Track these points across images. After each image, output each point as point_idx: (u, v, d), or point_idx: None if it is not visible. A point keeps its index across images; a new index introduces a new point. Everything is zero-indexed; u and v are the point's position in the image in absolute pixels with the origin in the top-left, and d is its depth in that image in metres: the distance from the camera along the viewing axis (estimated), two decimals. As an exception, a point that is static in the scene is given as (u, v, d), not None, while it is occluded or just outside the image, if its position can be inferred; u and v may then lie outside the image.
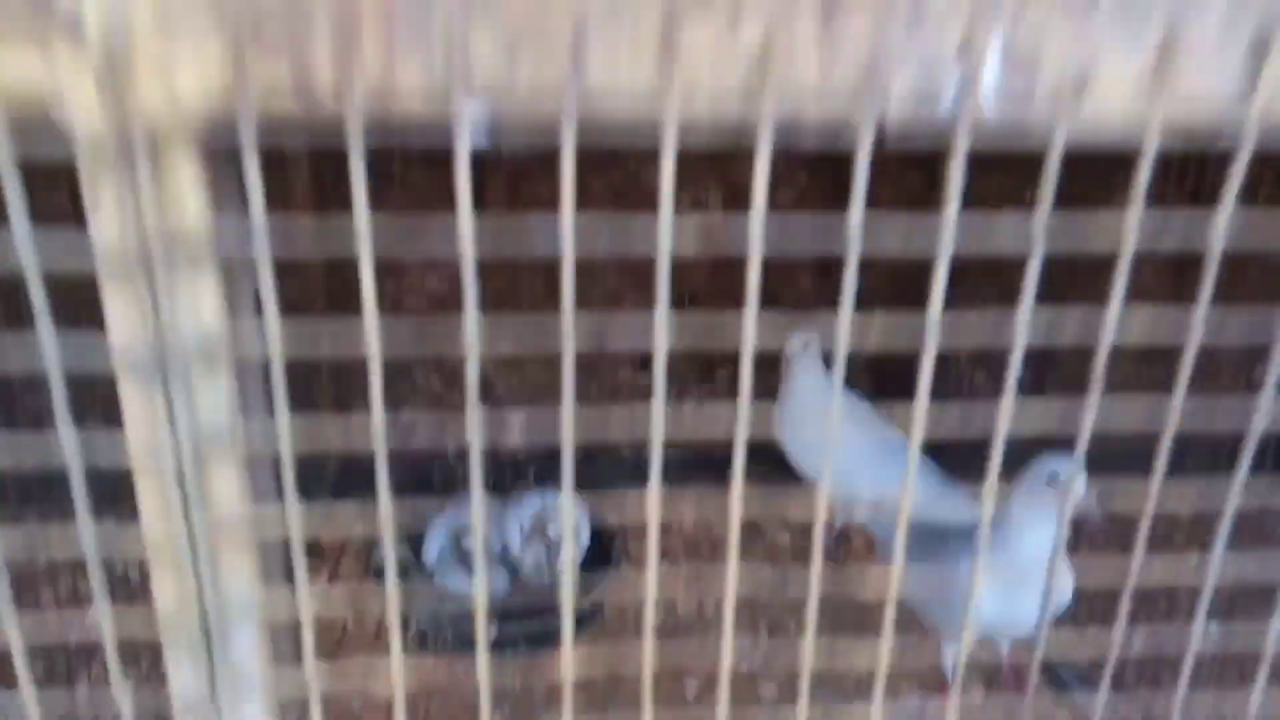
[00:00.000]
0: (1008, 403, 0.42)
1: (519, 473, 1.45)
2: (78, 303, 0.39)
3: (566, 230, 0.37)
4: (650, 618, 0.45)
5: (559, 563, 1.36)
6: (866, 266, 0.39)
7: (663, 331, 0.40)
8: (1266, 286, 0.89)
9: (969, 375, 1.55)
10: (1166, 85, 0.37)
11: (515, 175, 1.62)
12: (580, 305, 0.39)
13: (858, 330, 0.41)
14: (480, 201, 0.38)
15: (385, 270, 0.38)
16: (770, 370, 1.36)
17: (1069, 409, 0.43)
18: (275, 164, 0.39)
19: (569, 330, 0.39)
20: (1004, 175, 0.80)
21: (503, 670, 1.22)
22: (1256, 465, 0.46)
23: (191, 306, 0.38)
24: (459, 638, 1.30)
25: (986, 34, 0.36)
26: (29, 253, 0.36)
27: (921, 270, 0.40)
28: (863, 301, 0.40)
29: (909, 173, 1.20)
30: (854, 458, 1.24)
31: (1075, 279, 0.49)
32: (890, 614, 0.46)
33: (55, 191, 0.40)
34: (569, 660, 0.46)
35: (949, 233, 0.39)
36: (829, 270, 0.47)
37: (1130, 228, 0.39)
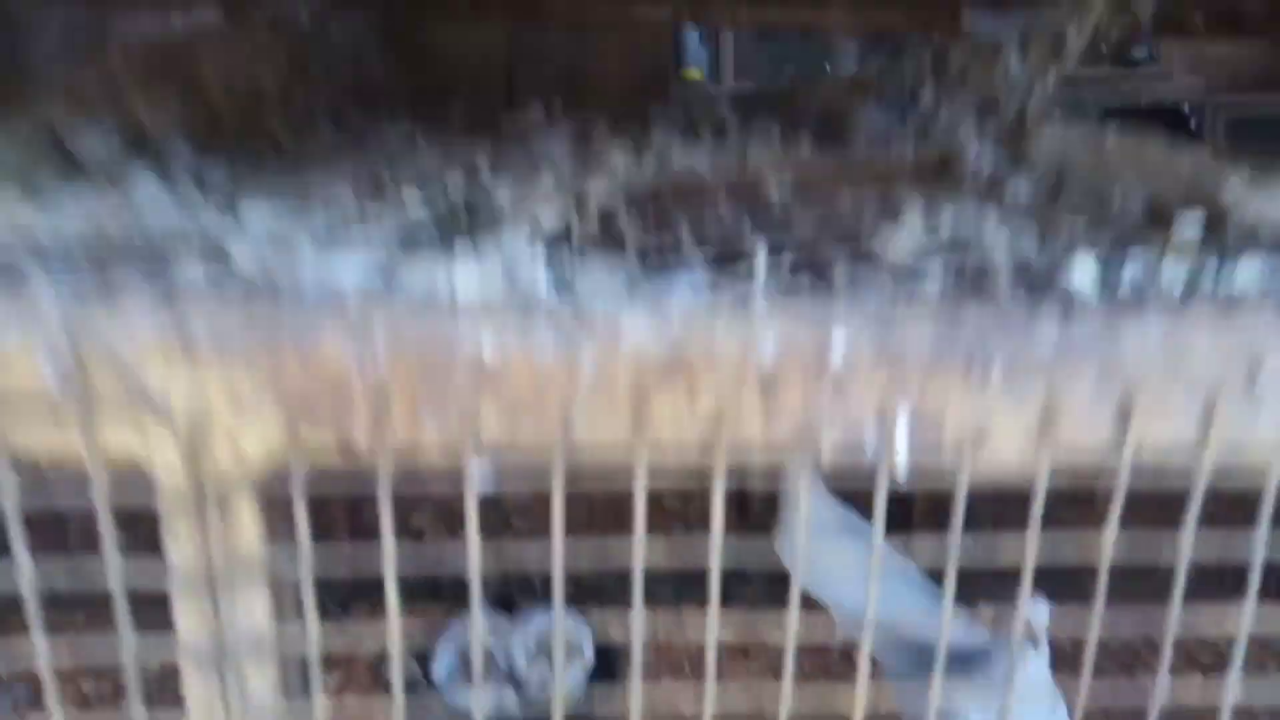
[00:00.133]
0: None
1: (527, 590, 1.52)
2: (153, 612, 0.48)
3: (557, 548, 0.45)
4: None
5: (563, 680, 1.42)
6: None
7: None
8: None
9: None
10: (1049, 438, 0.45)
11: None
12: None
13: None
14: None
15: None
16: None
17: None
18: (319, 505, 0.47)
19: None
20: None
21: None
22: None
23: (247, 611, 0.46)
24: (467, 762, 1.36)
25: (898, 400, 0.45)
26: (117, 577, 0.44)
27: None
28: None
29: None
30: (855, 578, 1.30)
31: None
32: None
33: (141, 527, 0.48)
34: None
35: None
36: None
37: (1032, 547, 0.47)
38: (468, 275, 0.53)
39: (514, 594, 1.50)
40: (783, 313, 0.47)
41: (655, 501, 0.45)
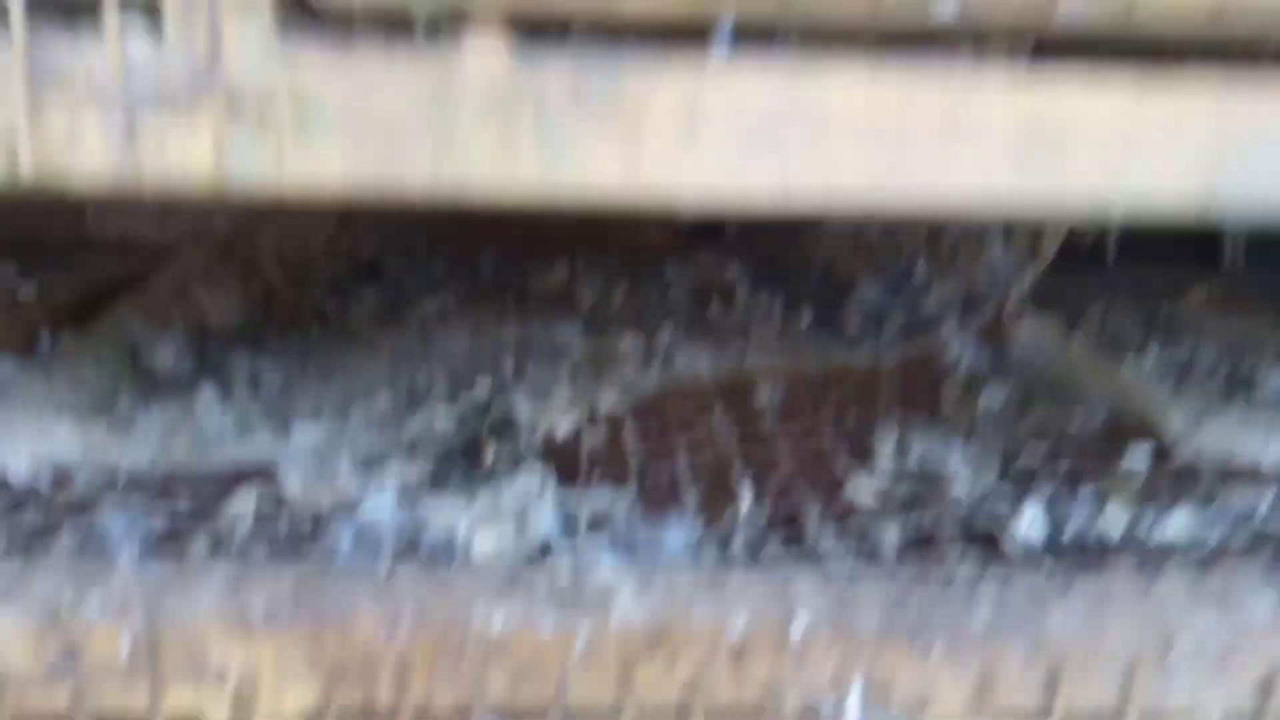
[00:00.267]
0: None
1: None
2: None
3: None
4: None
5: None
6: None
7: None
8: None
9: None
10: (985, 705, 0.52)
11: None
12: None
13: None
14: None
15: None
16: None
17: None
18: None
19: None
20: None
21: None
22: None
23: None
24: None
25: (851, 670, 0.51)
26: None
27: None
28: None
29: None
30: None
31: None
32: None
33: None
34: None
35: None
36: None
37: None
38: (484, 533, 0.62)
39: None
40: (752, 587, 0.54)
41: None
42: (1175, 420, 0.81)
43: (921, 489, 0.69)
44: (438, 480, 0.72)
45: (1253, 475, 0.74)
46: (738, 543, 0.63)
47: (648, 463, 0.76)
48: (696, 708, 0.52)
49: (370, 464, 0.76)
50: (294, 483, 0.72)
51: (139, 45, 0.43)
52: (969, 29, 0.45)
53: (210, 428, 0.80)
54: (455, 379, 0.96)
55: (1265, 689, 0.52)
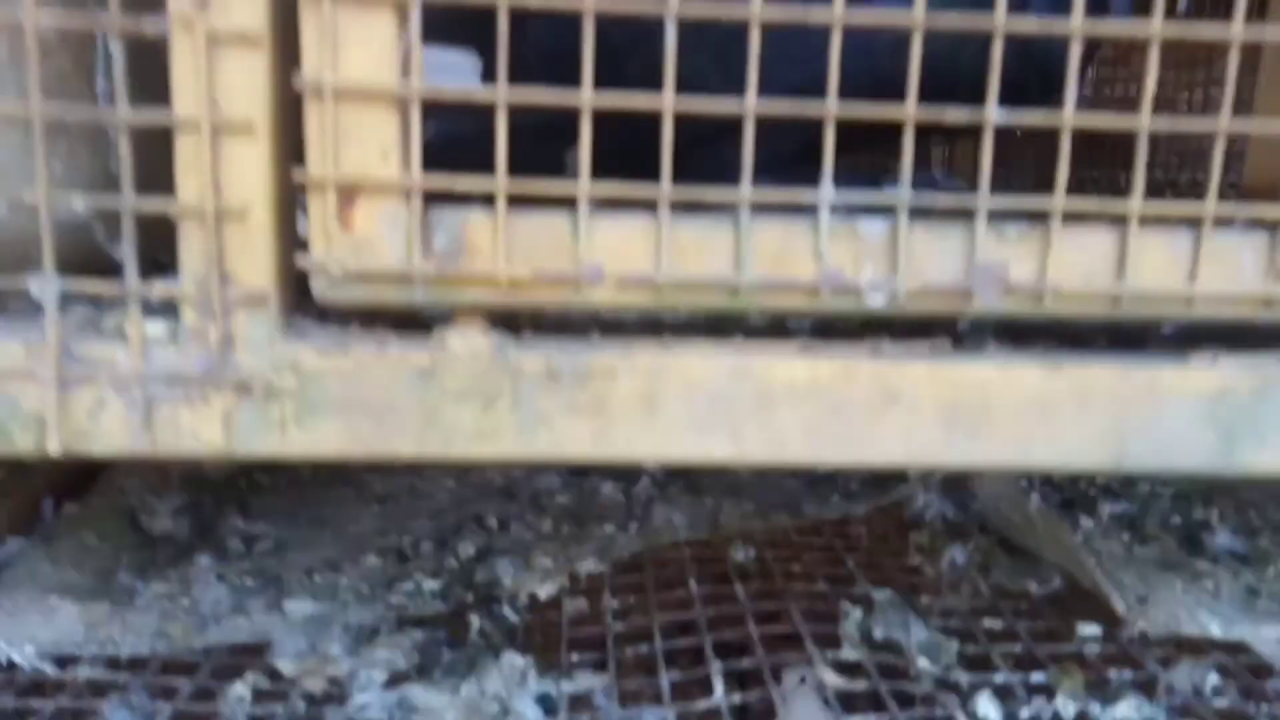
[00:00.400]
0: None
1: None
2: None
3: None
4: None
5: None
6: None
7: None
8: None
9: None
10: None
11: None
12: None
13: None
14: None
15: None
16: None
17: None
18: None
19: None
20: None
21: None
22: None
23: None
24: None
25: None
26: None
27: None
28: None
29: None
30: None
31: None
32: None
33: None
34: None
35: None
36: None
37: None
38: (464, 731, 0.65)
39: None
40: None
41: None
42: (1126, 592, 0.85)
43: (881, 675, 0.73)
44: (425, 660, 0.76)
45: (1201, 649, 0.79)
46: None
47: (625, 638, 0.80)
48: None
49: (360, 640, 0.80)
50: (288, 663, 0.76)
51: (158, 338, 0.48)
52: (898, 315, 0.51)
53: (206, 602, 0.84)
54: (441, 534, 1.01)
55: None
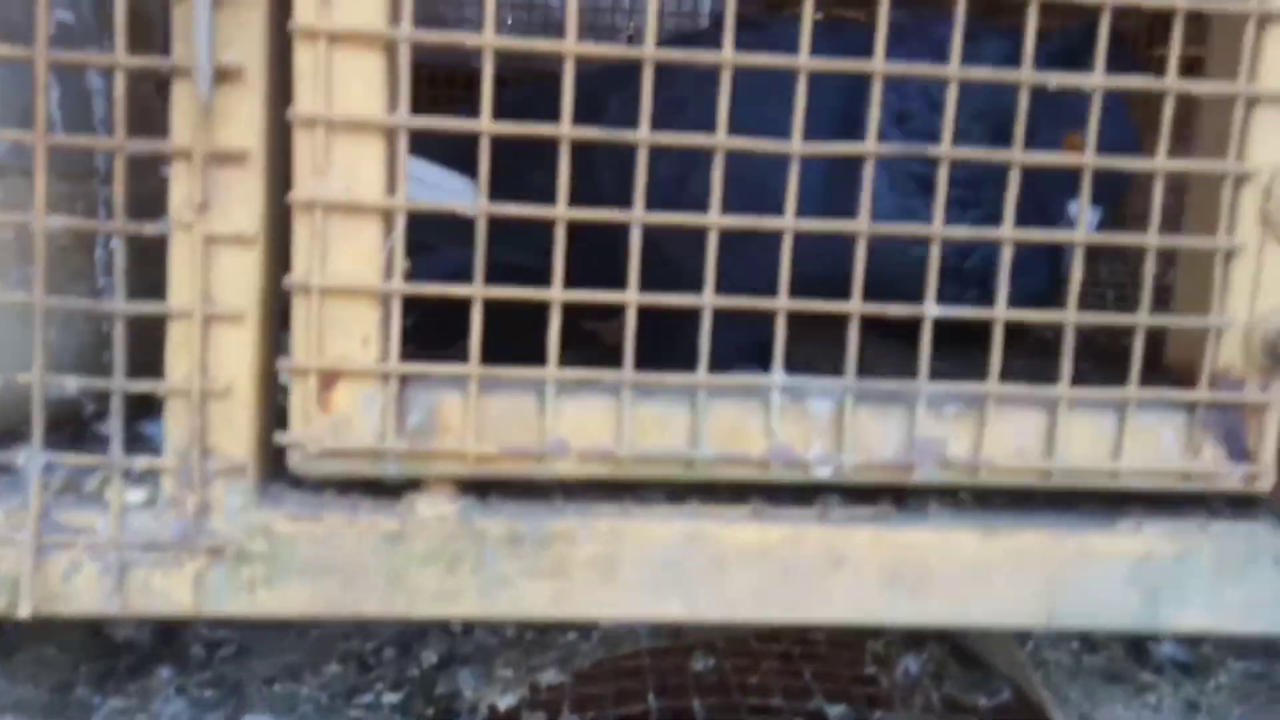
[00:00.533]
0: None
1: None
2: None
3: None
4: None
5: None
6: None
7: None
8: None
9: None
10: None
11: None
12: None
13: None
14: None
15: None
16: None
17: None
18: None
19: None
20: None
21: None
22: None
23: None
24: None
25: None
26: None
27: None
28: None
29: None
30: None
31: None
32: None
33: None
34: None
35: None
36: None
37: None
38: None
39: None
40: None
41: None
42: (1070, 709, 0.88)
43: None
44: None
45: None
46: None
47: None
48: None
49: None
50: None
51: (137, 505, 0.50)
52: (843, 483, 0.54)
53: (165, 717, 0.84)
54: (405, 638, 1.01)
55: None
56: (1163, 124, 0.49)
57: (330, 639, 1.01)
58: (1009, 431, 0.53)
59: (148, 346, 0.49)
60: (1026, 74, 0.49)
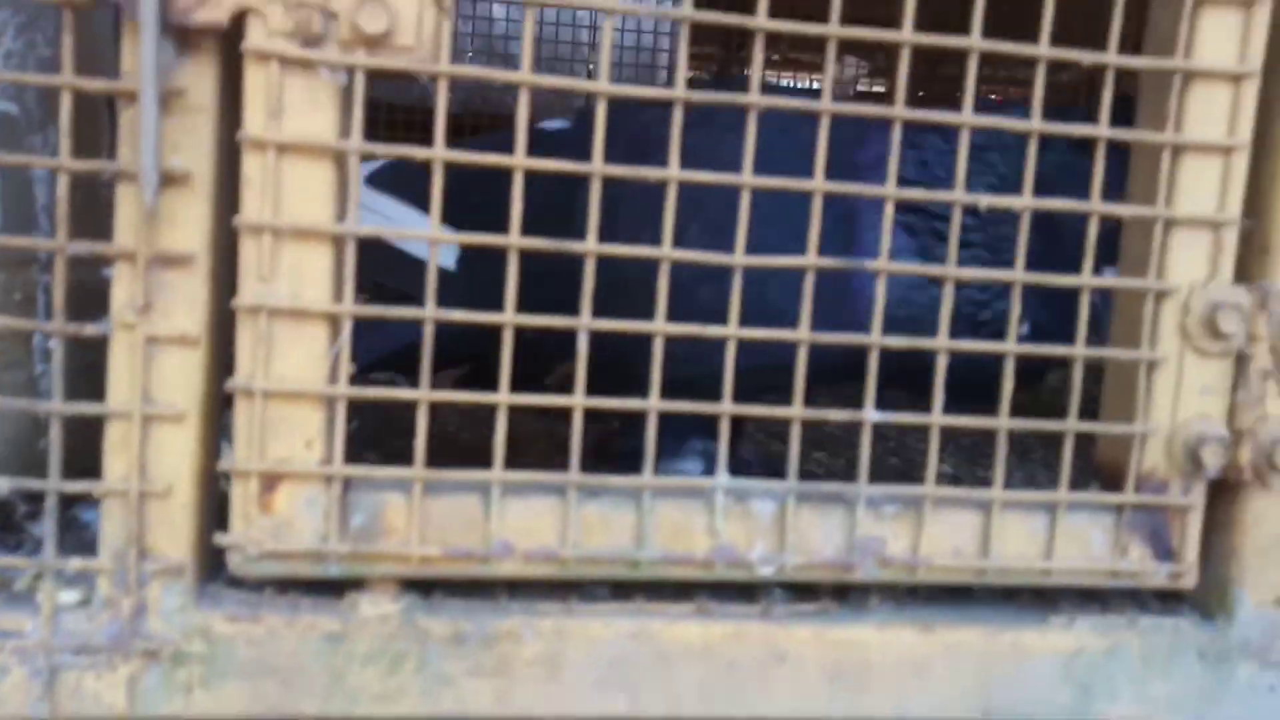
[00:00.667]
0: None
1: None
2: None
3: None
4: None
5: None
6: None
7: None
8: None
9: None
10: None
11: None
12: None
13: None
14: None
15: None
16: None
17: None
18: None
19: None
20: None
21: None
22: None
23: None
24: None
25: None
26: None
27: None
28: None
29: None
30: None
31: None
32: None
33: None
34: None
35: None
36: None
37: None
38: None
39: None
40: None
41: None
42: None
43: None
44: None
45: None
46: None
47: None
48: None
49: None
50: None
51: (69, 606, 0.49)
52: (785, 581, 0.55)
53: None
54: None
55: None
56: (1088, 243, 0.51)
57: None
58: (946, 532, 0.54)
59: (88, 430, 0.48)
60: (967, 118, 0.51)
